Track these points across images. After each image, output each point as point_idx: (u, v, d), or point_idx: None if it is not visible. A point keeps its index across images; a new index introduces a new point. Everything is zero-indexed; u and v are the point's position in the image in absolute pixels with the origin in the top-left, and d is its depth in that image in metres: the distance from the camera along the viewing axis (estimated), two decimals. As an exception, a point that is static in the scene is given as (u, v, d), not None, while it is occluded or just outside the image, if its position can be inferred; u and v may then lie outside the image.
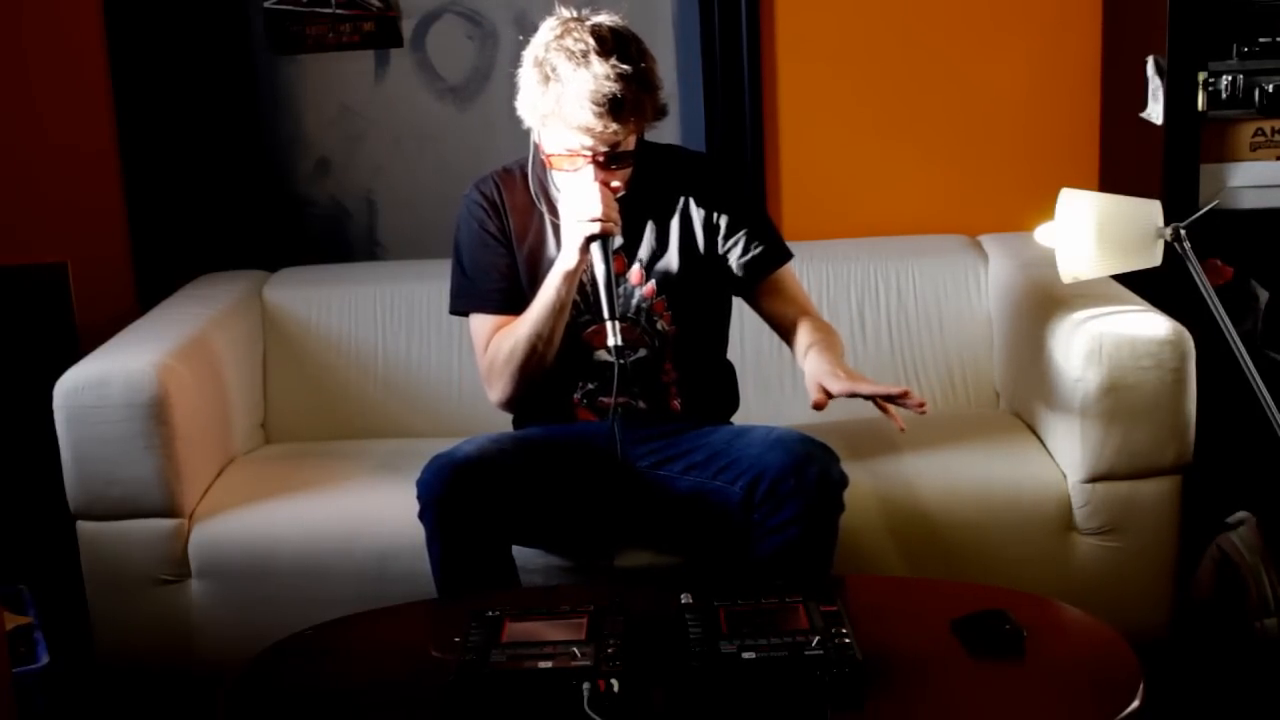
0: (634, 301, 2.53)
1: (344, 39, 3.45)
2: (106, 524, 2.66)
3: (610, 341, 2.31)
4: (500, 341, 2.49)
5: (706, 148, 3.40)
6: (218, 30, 3.40)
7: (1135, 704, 1.77)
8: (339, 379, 3.18)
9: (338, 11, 3.43)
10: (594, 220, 2.33)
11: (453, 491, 2.32)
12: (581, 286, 2.48)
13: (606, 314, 2.34)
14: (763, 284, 2.56)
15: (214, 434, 2.85)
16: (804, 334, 2.50)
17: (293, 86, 3.48)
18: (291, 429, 3.17)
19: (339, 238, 3.55)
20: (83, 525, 2.67)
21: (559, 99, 2.30)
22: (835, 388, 2.29)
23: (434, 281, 2.88)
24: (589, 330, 2.52)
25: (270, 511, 2.69)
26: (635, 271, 2.53)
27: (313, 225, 3.55)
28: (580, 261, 2.37)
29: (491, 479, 2.35)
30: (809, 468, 2.31)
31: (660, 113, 2.40)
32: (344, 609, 2.21)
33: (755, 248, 2.53)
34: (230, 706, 1.93)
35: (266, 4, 3.43)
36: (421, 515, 2.36)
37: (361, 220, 3.55)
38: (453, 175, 3.43)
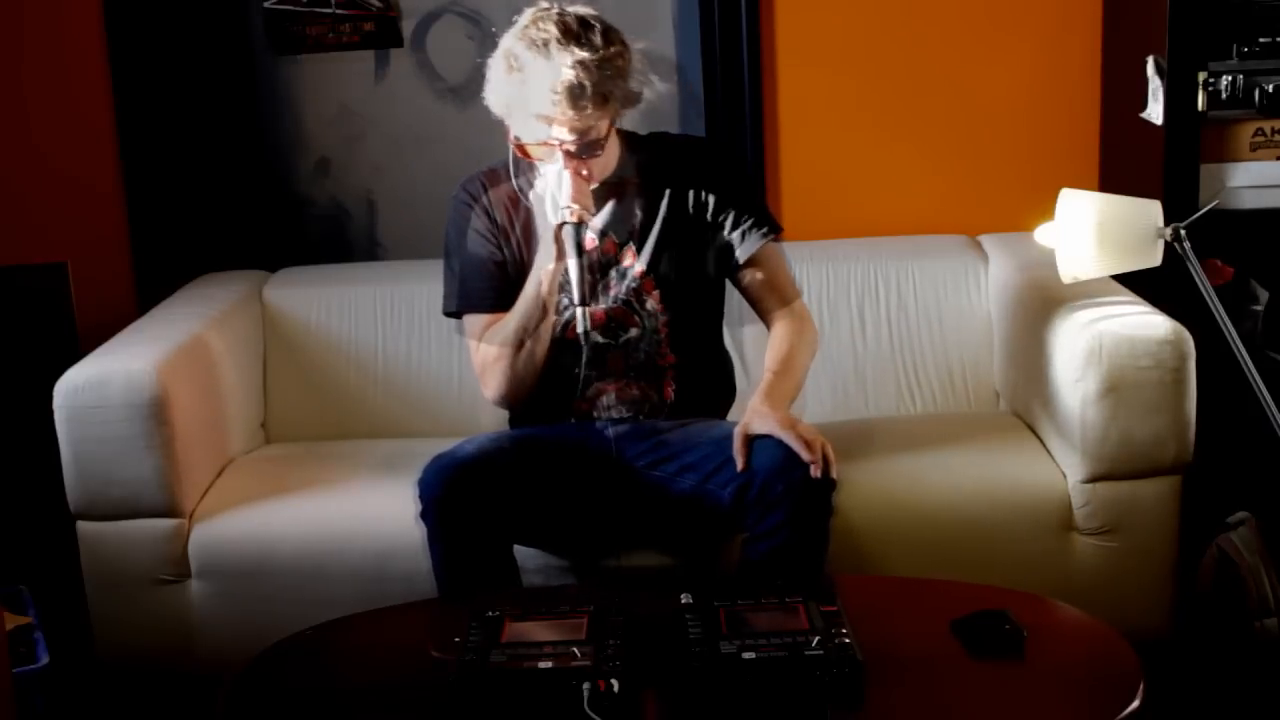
0: (625, 282, 2.53)
1: (344, 39, 3.45)
2: (106, 524, 2.66)
3: (579, 328, 2.33)
4: (491, 337, 2.50)
5: (706, 148, 3.40)
6: (218, 30, 3.40)
7: (1135, 704, 1.77)
8: (339, 379, 3.18)
9: (338, 11, 3.43)
10: (563, 207, 2.34)
11: (453, 492, 2.32)
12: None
13: (576, 299, 2.34)
14: (748, 263, 2.56)
15: (214, 434, 2.85)
16: (768, 354, 2.54)
17: (293, 86, 3.48)
18: (291, 429, 3.16)
19: (339, 238, 3.55)
20: (83, 525, 2.67)
21: (520, 87, 2.33)
22: (758, 427, 2.37)
23: (434, 282, 2.87)
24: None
25: (270, 511, 2.69)
26: (627, 253, 2.53)
27: (313, 225, 3.55)
28: (558, 253, 2.38)
29: (492, 479, 2.35)
30: (796, 471, 2.30)
31: (630, 100, 2.40)
32: (344, 609, 2.21)
33: (744, 221, 2.54)
34: (230, 706, 1.93)
35: (266, 4, 3.43)
36: (422, 516, 2.36)
37: (361, 220, 3.55)
38: (453, 175, 3.40)
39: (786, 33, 3.37)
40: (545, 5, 2.39)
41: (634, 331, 2.54)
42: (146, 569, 2.66)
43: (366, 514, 2.63)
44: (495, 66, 2.39)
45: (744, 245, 2.55)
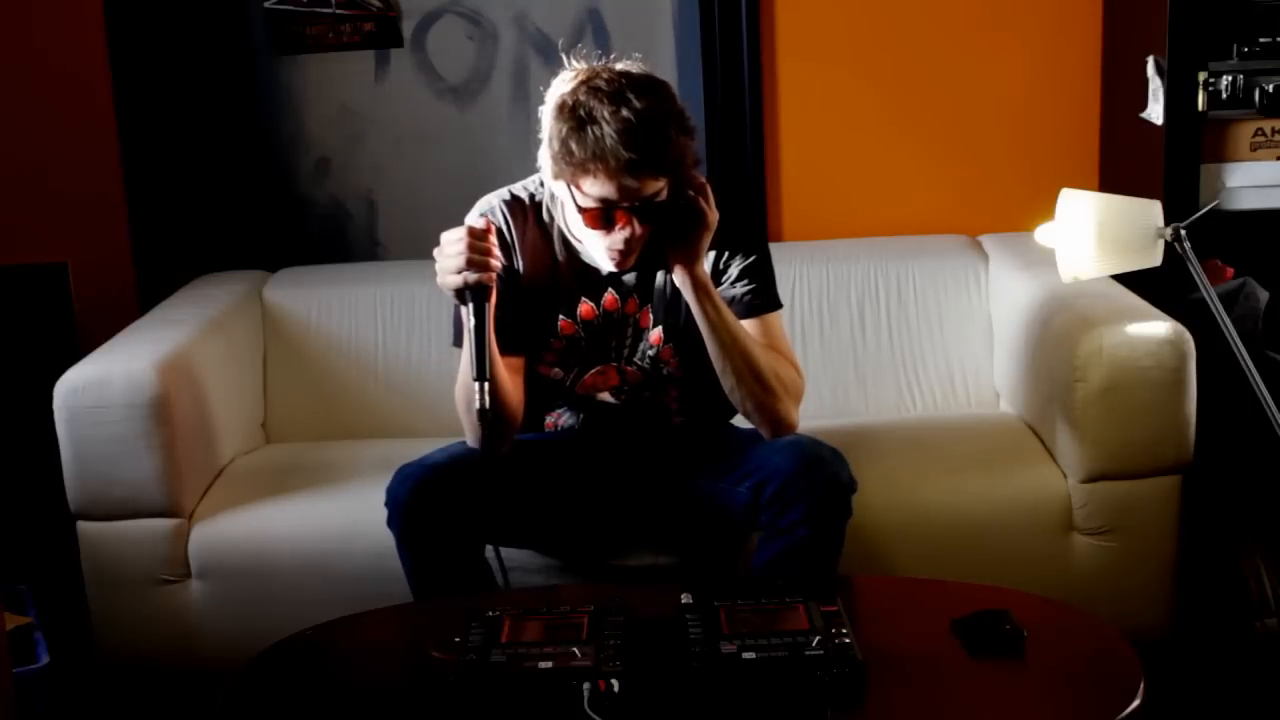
0: (642, 346, 2.48)
1: (344, 39, 3.45)
2: (106, 524, 2.66)
3: (475, 404, 2.13)
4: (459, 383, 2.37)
5: (706, 148, 3.40)
6: (218, 30, 3.40)
7: (1135, 704, 1.77)
8: (339, 379, 3.18)
9: (338, 11, 3.43)
10: (458, 272, 2.17)
11: (418, 498, 2.29)
12: (591, 328, 2.44)
13: (475, 374, 2.15)
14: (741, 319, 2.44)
15: (214, 434, 2.85)
16: None
17: (293, 86, 3.48)
18: (291, 429, 3.17)
19: (339, 238, 3.55)
20: (83, 525, 2.67)
21: (587, 144, 2.18)
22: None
23: (434, 281, 2.87)
24: (592, 372, 2.48)
25: (270, 511, 2.69)
26: (645, 315, 2.47)
27: (313, 225, 3.55)
28: (477, 314, 2.18)
29: (462, 485, 2.32)
30: (819, 470, 2.30)
31: (689, 158, 2.28)
32: (344, 609, 2.21)
33: (741, 284, 2.43)
34: (230, 706, 1.93)
35: (266, 4, 3.43)
36: (388, 523, 2.34)
37: (361, 220, 3.55)
38: (453, 175, 3.44)
39: (787, 33, 3.37)
40: (585, 67, 2.27)
41: (645, 394, 2.50)
42: (146, 569, 2.66)
43: (366, 514, 2.61)
44: (554, 129, 2.23)
45: (738, 303, 2.43)
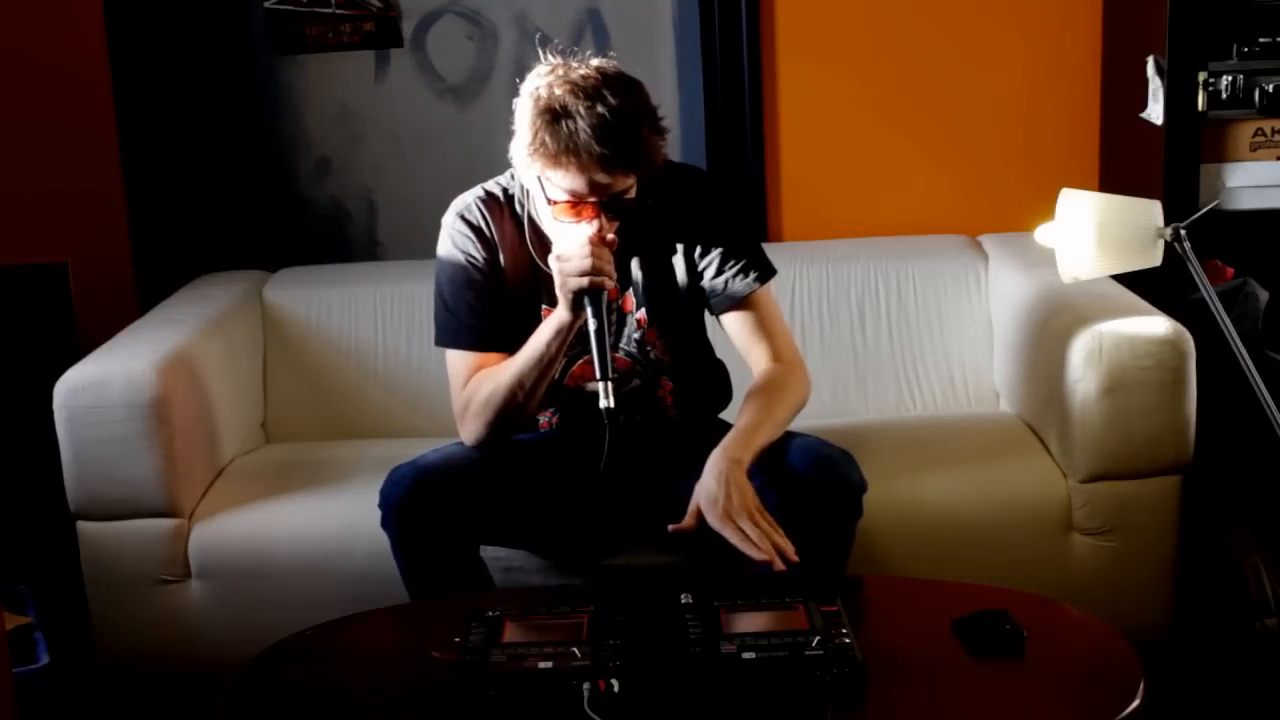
0: (627, 330, 2.48)
1: (344, 39, 3.45)
2: (106, 524, 2.66)
3: (602, 404, 2.19)
4: (480, 383, 2.40)
5: (706, 147, 3.40)
6: (218, 30, 3.41)
7: (1135, 704, 1.77)
8: (339, 379, 3.18)
9: (338, 11, 3.44)
10: (583, 275, 2.24)
11: (411, 499, 2.29)
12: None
13: (599, 374, 2.22)
14: (733, 307, 2.47)
15: (214, 434, 2.85)
16: (742, 403, 2.41)
17: (293, 86, 3.48)
18: (291, 429, 3.17)
19: (339, 238, 3.56)
20: (83, 525, 2.67)
21: (557, 140, 2.21)
22: (711, 521, 2.22)
23: (433, 281, 2.87)
24: (580, 362, 2.47)
25: (270, 511, 2.69)
26: (627, 300, 2.47)
27: (313, 225, 3.55)
28: (575, 318, 2.28)
29: (457, 485, 2.32)
30: (831, 471, 2.30)
31: (660, 155, 2.31)
32: (344, 609, 2.21)
33: (730, 268, 2.44)
34: (230, 706, 1.92)
35: (266, 4, 3.43)
36: (383, 524, 2.34)
37: (361, 220, 3.55)
38: (453, 175, 3.42)
39: (787, 33, 3.37)
40: (560, 62, 2.28)
41: (636, 381, 2.49)
42: (146, 569, 2.66)
43: (366, 514, 2.61)
44: (529, 121, 2.25)
45: (728, 291, 2.45)
